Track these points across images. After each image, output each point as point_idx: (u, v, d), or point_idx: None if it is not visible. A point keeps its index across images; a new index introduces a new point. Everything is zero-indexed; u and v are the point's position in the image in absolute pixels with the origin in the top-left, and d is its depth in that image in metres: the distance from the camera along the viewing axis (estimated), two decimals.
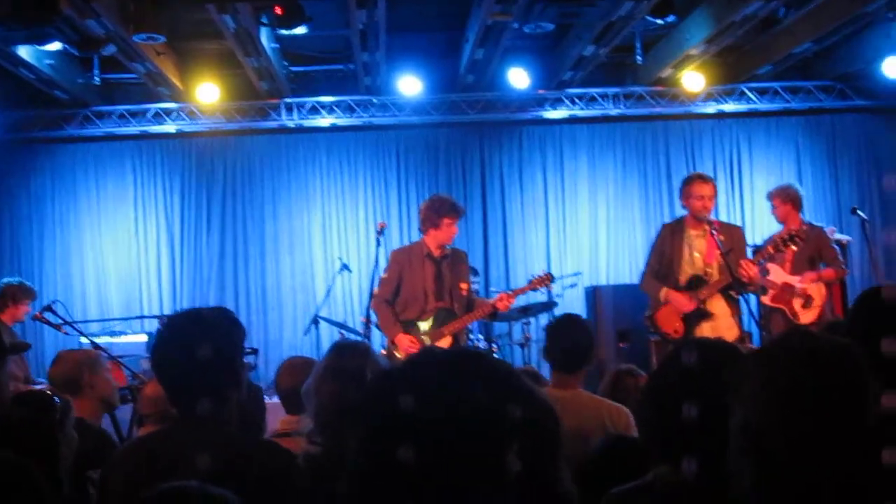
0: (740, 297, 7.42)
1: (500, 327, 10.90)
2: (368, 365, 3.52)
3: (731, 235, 7.27)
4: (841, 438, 1.81)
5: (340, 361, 3.56)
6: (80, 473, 3.30)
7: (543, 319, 10.53)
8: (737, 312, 7.33)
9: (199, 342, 2.82)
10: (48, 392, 3.21)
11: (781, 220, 8.38)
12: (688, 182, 7.39)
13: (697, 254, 7.33)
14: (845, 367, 1.88)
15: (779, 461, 1.83)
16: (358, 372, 3.44)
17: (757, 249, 7.79)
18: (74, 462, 3.22)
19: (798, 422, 1.82)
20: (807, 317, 8.10)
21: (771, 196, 8.49)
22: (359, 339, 7.88)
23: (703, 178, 7.34)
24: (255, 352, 8.41)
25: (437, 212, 7.22)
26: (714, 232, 7.08)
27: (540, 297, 10.35)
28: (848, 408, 1.83)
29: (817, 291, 8.13)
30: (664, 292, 7.30)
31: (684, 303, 7.21)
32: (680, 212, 7.75)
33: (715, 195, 7.33)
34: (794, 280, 8.10)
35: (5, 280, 8.60)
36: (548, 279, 7.65)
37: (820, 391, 1.83)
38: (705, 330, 7.11)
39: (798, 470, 1.82)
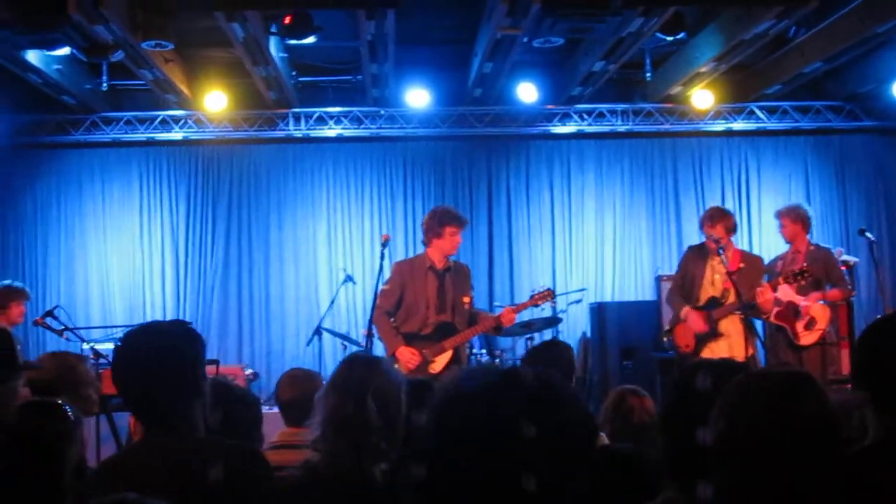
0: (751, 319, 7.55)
1: (503, 342, 10.85)
2: (374, 378, 3.46)
3: (752, 263, 7.76)
4: (793, 458, 1.99)
5: (344, 374, 3.53)
6: None
7: (548, 335, 10.50)
8: (752, 333, 7.54)
9: (157, 356, 2.84)
10: (60, 402, 3.17)
11: (789, 240, 8.36)
12: (709, 219, 7.77)
13: (718, 276, 7.66)
14: (802, 399, 2.04)
15: (743, 473, 2.01)
16: (358, 386, 3.38)
17: (772, 275, 7.84)
18: None
19: (758, 438, 2.01)
20: (808, 338, 8.07)
21: (780, 215, 8.45)
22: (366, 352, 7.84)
23: (712, 221, 7.67)
24: (216, 363, 8.33)
25: (440, 221, 7.19)
26: (721, 251, 7.27)
27: (544, 312, 10.31)
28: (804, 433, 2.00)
29: (821, 314, 8.07)
30: (685, 310, 7.72)
31: (699, 324, 7.61)
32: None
33: (726, 232, 7.69)
34: (800, 300, 8.05)
35: None
36: (549, 295, 7.65)
37: (775, 415, 2.02)
38: (721, 347, 7.47)
39: (758, 481, 2.00)
